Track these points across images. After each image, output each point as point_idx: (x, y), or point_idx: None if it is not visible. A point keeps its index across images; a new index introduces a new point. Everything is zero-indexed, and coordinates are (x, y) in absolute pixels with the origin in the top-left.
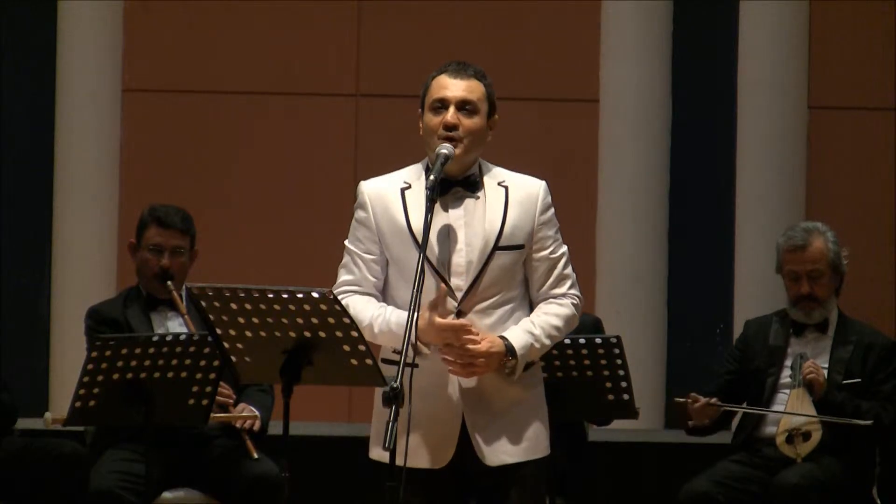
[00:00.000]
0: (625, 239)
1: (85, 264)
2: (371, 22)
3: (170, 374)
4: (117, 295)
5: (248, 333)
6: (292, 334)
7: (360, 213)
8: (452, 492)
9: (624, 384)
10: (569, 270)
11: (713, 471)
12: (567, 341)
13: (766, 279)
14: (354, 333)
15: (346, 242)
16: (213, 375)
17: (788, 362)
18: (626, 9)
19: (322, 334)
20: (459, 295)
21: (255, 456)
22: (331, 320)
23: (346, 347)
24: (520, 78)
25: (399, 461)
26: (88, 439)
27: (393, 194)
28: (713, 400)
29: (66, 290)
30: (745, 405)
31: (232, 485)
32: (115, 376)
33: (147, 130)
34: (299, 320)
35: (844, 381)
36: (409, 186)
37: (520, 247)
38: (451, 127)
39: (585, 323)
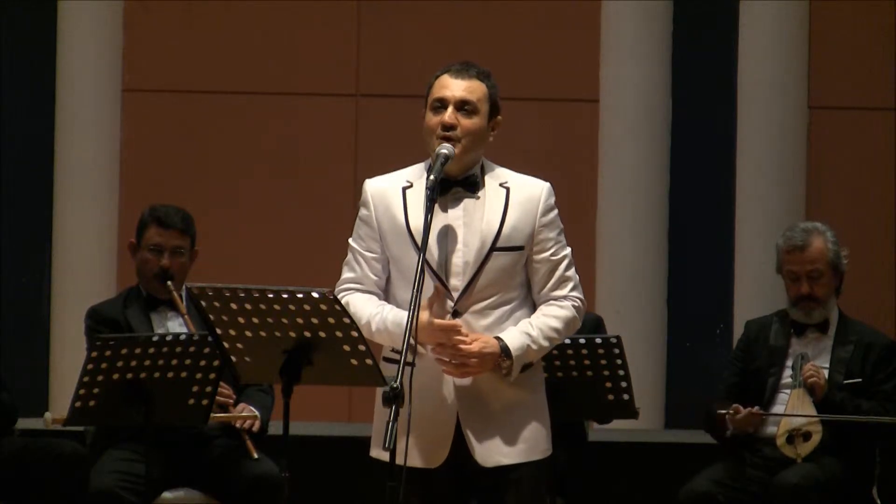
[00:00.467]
0: (625, 239)
1: (85, 264)
2: (371, 22)
3: (170, 374)
4: (117, 295)
5: (248, 333)
6: (292, 334)
7: (362, 211)
8: (449, 491)
9: (624, 384)
10: (571, 273)
11: (713, 471)
12: (567, 341)
13: (766, 279)
14: (354, 333)
15: (350, 240)
16: (213, 375)
17: (789, 362)
18: (626, 9)
19: (322, 334)
20: (456, 295)
21: (255, 456)
22: (331, 320)
23: (346, 347)
24: (520, 78)
25: (399, 461)
26: (88, 439)
27: (394, 193)
28: (755, 409)
29: (66, 290)
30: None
31: (232, 485)
32: (115, 376)
33: (147, 130)
34: (299, 320)
35: (845, 381)
36: (411, 185)
37: (519, 248)
38: (448, 127)
39: (586, 322)
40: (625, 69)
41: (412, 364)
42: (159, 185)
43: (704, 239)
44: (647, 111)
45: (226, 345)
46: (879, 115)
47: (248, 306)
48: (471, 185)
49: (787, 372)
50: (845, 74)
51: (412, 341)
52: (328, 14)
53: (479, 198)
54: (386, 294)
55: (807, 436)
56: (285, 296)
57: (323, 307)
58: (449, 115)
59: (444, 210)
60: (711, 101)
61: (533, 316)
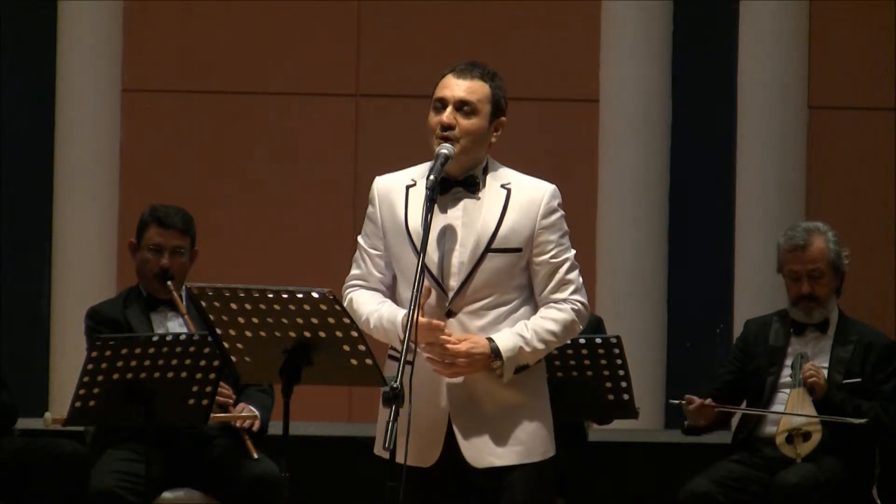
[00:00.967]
0: (625, 239)
1: (85, 264)
2: (371, 22)
3: (170, 374)
4: (117, 295)
5: (248, 333)
6: (292, 334)
7: (369, 209)
8: (443, 491)
9: (624, 384)
10: (572, 276)
11: (713, 471)
12: (567, 341)
13: (766, 279)
14: (354, 333)
15: (358, 237)
16: (213, 375)
17: (789, 362)
18: (626, 9)
19: (322, 334)
20: (451, 295)
21: (255, 456)
22: (331, 320)
23: (346, 347)
24: (520, 78)
25: (399, 460)
26: (88, 439)
27: (399, 191)
28: (708, 401)
29: (66, 290)
30: (742, 406)
31: (232, 485)
32: (115, 376)
33: (147, 130)
34: (299, 320)
35: (844, 381)
36: (415, 184)
37: (516, 250)
38: (446, 127)
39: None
40: (625, 69)
41: (411, 363)
42: (159, 185)
43: (704, 239)
44: (647, 111)
45: (226, 345)
46: (879, 115)
47: (248, 306)
48: (471, 186)
49: (787, 371)
50: (845, 74)
51: (411, 341)
52: (328, 14)
53: (479, 198)
54: (392, 291)
55: (806, 436)
56: (285, 296)
57: (323, 307)
58: (447, 115)
59: (444, 210)
60: (711, 101)
61: (531, 318)
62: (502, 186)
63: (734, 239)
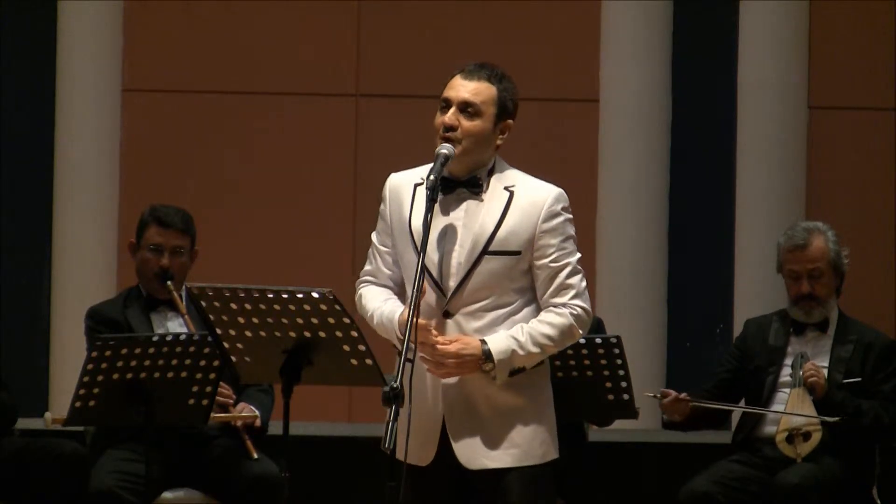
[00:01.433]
0: (625, 239)
1: (85, 264)
2: (371, 22)
3: (170, 374)
4: (117, 295)
5: (248, 333)
6: (292, 334)
7: (381, 206)
8: (441, 490)
9: (624, 384)
10: (573, 280)
11: (713, 471)
12: (567, 346)
13: (766, 279)
14: (354, 333)
15: (372, 233)
16: (213, 375)
17: (788, 361)
18: (626, 9)
19: (322, 334)
20: (449, 296)
21: (255, 456)
22: (331, 320)
23: (346, 347)
24: (520, 78)
25: (400, 458)
26: (88, 439)
27: (407, 189)
28: (683, 395)
29: (66, 290)
30: (718, 403)
31: (232, 485)
32: (115, 376)
33: (147, 130)
34: (299, 320)
35: (844, 381)
36: (423, 182)
37: (514, 253)
38: (448, 127)
39: None
40: (625, 69)
41: (412, 361)
42: (159, 185)
43: (704, 239)
44: (647, 111)
45: (226, 345)
46: (879, 115)
47: (248, 306)
48: (475, 187)
49: (786, 371)
50: (845, 74)
51: (411, 341)
52: (328, 14)
53: (481, 200)
54: (401, 288)
55: (807, 435)
56: (285, 296)
57: (323, 307)
58: (449, 115)
59: (447, 210)
60: (711, 101)
61: (530, 322)
62: (506, 188)
63: (734, 239)
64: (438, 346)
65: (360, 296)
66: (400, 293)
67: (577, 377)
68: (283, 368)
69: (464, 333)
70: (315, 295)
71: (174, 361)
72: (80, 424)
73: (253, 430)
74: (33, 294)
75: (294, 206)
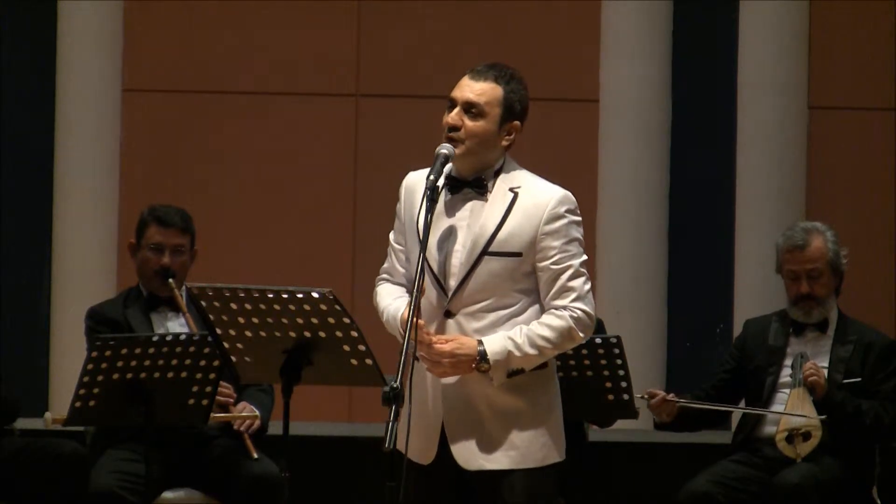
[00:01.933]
0: (625, 239)
1: (85, 264)
2: (371, 22)
3: (170, 374)
4: (117, 295)
5: (248, 333)
6: (292, 334)
7: (397, 204)
8: (442, 489)
9: (624, 384)
10: (575, 283)
11: (713, 471)
12: (568, 349)
13: (766, 279)
14: (354, 333)
15: (391, 231)
16: (213, 375)
17: (788, 362)
18: (626, 9)
19: (322, 334)
20: (450, 295)
21: (255, 456)
22: (331, 320)
23: (346, 347)
24: None
25: (410, 457)
26: (88, 439)
27: (420, 188)
28: (671, 396)
29: (66, 290)
30: (706, 403)
31: (232, 485)
32: (115, 376)
33: (147, 130)
34: (299, 320)
35: (844, 381)
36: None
37: (515, 254)
38: (451, 127)
39: None
40: (625, 69)
41: (415, 359)
42: (159, 185)
43: (704, 239)
44: (647, 111)
45: (226, 345)
46: (879, 115)
47: (248, 306)
48: (480, 187)
49: (786, 371)
50: (845, 74)
51: (412, 340)
52: (328, 14)
53: (486, 200)
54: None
55: (806, 435)
56: (285, 296)
57: (323, 307)
58: (452, 115)
59: (453, 210)
60: (711, 101)
61: (531, 323)
62: (511, 189)
63: (734, 239)
64: (434, 346)
65: (375, 293)
66: (412, 291)
67: (577, 377)
68: (283, 368)
69: (464, 334)
70: (315, 295)
71: (174, 361)
72: (80, 424)
73: (253, 430)
74: (33, 294)
75: (294, 206)
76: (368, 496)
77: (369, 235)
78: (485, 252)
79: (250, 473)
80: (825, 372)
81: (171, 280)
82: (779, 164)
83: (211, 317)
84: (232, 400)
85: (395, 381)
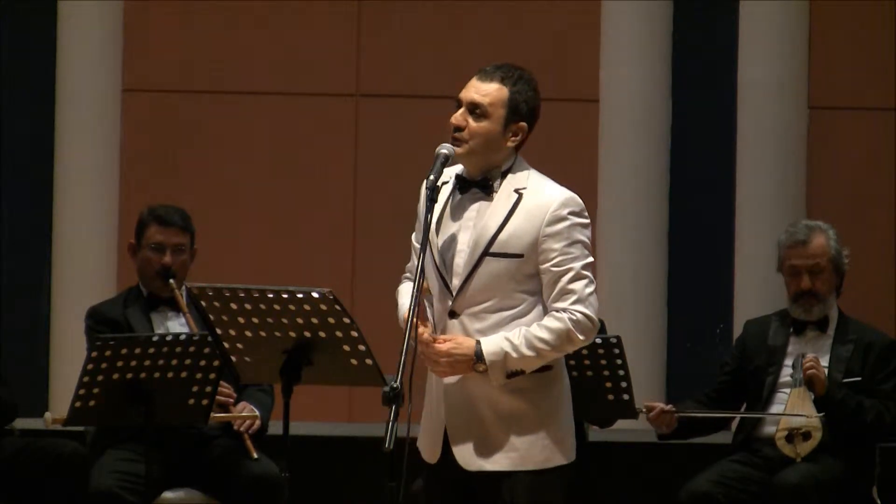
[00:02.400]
0: (625, 239)
1: (85, 264)
2: (371, 22)
3: (170, 374)
4: (117, 295)
5: (248, 333)
6: (292, 334)
7: (418, 203)
8: (447, 488)
9: (624, 384)
10: (576, 286)
11: (713, 470)
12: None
13: (766, 279)
14: (354, 333)
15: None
16: (213, 375)
17: (788, 361)
18: (626, 9)
19: (322, 334)
20: (454, 295)
21: (255, 456)
22: (331, 320)
23: (346, 347)
24: None
25: (426, 458)
26: (88, 439)
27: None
28: (669, 407)
29: (66, 290)
30: (706, 411)
31: (232, 485)
32: (115, 376)
33: (147, 130)
34: (299, 320)
35: (844, 380)
36: (448, 181)
37: (517, 256)
38: (455, 127)
39: None
40: (625, 69)
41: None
42: (159, 185)
43: (704, 239)
44: (647, 111)
45: (226, 345)
46: (879, 115)
47: (248, 306)
48: (487, 188)
49: (786, 371)
50: (845, 74)
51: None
52: (328, 14)
53: (491, 200)
54: None
55: (806, 435)
56: (285, 296)
57: (323, 307)
58: (456, 115)
59: (461, 209)
60: (711, 101)
61: (532, 325)
62: (516, 190)
63: (734, 239)
64: (432, 345)
65: (397, 291)
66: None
67: (577, 377)
68: (283, 368)
69: (468, 334)
70: (315, 295)
71: (174, 361)
72: (80, 424)
73: (252, 431)
74: (33, 294)
75: (294, 206)
76: (368, 496)
77: (369, 235)
78: (486, 253)
79: (250, 473)
80: (826, 371)
81: (171, 280)
82: (779, 164)
83: (211, 317)
84: (232, 400)
85: (395, 381)
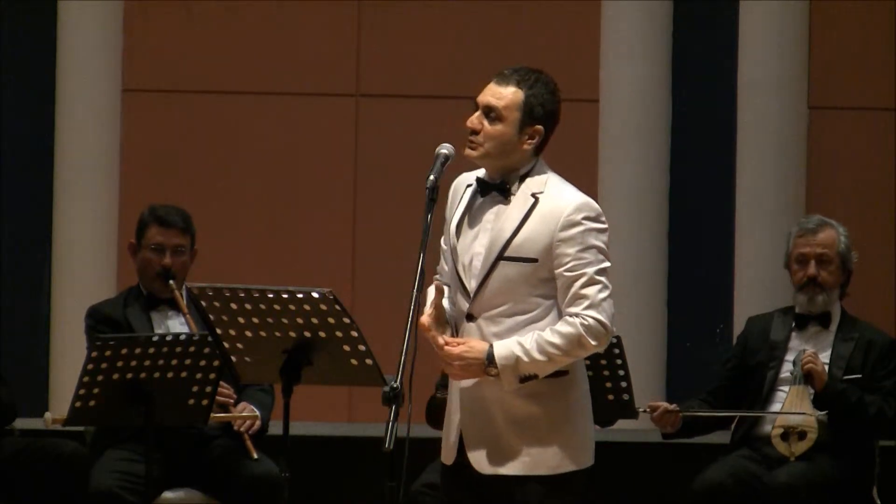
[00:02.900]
0: (625, 239)
1: (85, 264)
2: (371, 22)
3: (170, 374)
4: (118, 295)
5: (248, 333)
6: (292, 334)
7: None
8: (460, 490)
9: (624, 384)
10: (588, 291)
11: (725, 462)
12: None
13: (766, 279)
14: (354, 333)
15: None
16: (213, 375)
17: (789, 356)
18: (626, 9)
19: (322, 334)
20: (472, 298)
21: (255, 456)
22: (331, 320)
23: (346, 347)
24: None
25: (446, 460)
26: (88, 439)
27: (462, 188)
28: (673, 406)
29: (66, 290)
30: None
31: (232, 485)
32: (115, 376)
33: (147, 130)
34: (299, 320)
35: (844, 377)
36: (472, 184)
37: (531, 260)
38: (471, 131)
39: None
40: (625, 69)
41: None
42: (159, 185)
43: (704, 239)
44: (647, 111)
45: (226, 345)
46: (879, 115)
47: (248, 306)
48: (504, 191)
49: (787, 366)
50: (845, 74)
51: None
52: (328, 14)
53: (508, 204)
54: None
55: (802, 434)
56: (285, 296)
57: (323, 307)
58: (472, 118)
59: (482, 213)
60: (711, 101)
61: (546, 329)
62: (532, 195)
63: (734, 239)
64: (445, 348)
65: (426, 292)
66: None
67: None
68: (283, 368)
69: (483, 337)
70: (315, 295)
71: (174, 361)
72: (80, 424)
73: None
74: (33, 294)
75: (294, 206)
76: (368, 496)
77: (369, 236)
78: (500, 257)
79: (250, 473)
80: (826, 367)
81: (171, 282)
82: (779, 164)
83: (211, 317)
84: (232, 400)
85: (395, 381)
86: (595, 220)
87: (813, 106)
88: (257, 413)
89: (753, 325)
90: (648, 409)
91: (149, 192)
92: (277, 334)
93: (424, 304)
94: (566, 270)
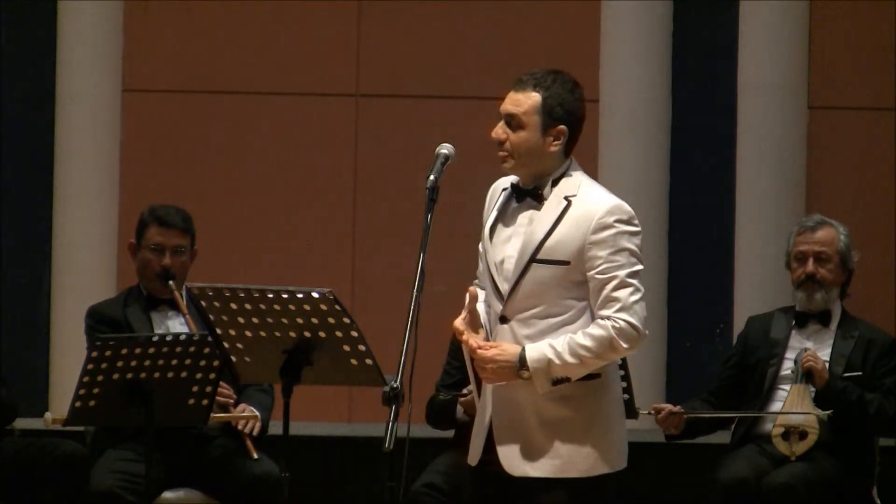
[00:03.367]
0: None
1: (85, 264)
2: (371, 22)
3: (170, 374)
4: (118, 295)
5: (248, 333)
6: (292, 334)
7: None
8: (486, 490)
9: (624, 384)
10: (620, 294)
11: (743, 456)
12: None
13: (766, 279)
14: (354, 333)
15: None
16: (213, 375)
17: (789, 354)
18: (626, 9)
19: (322, 334)
20: (505, 301)
21: (255, 456)
22: (331, 320)
23: (346, 347)
24: None
25: (471, 461)
26: (88, 439)
27: (499, 192)
28: (677, 408)
29: (66, 290)
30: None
31: (232, 485)
32: (115, 376)
33: (147, 130)
34: (299, 320)
35: (845, 374)
36: (508, 188)
37: (563, 263)
38: (498, 142)
39: None
40: (625, 69)
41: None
42: (159, 185)
43: (704, 239)
44: (647, 111)
45: (226, 345)
46: (879, 115)
47: (248, 306)
48: (537, 196)
49: (787, 364)
50: (845, 74)
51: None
52: (328, 14)
53: (541, 208)
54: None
55: (803, 434)
56: (285, 296)
57: (323, 307)
58: (496, 129)
59: (515, 216)
60: (711, 101)
61: (578, 332)
62: (565, 198)
63: (734, 239)
64: (478, 351)
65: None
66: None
67: None
68: (283, 368)
69: (516, 340)
70: (315, 295)
71: (174, 361)
72: (80, 424)
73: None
74: (33, 294)
75: (294, 206)
76: (368, 496)
77: (369, 236)
78: (532, 259)
79: (250, 473)
80: (826, 364)
81: (171, 282)
82: (779, 164)
83: (211, 317)
84: (232, 401)
85: (395, 381)
86: (627, 222)
87: (813, 106)
88: (257, 413)
89: (754, 324)
90: (653, 412)
91: (149, 192)
92: (277, 334)
93: (457, 307)
94: (598, 273)
